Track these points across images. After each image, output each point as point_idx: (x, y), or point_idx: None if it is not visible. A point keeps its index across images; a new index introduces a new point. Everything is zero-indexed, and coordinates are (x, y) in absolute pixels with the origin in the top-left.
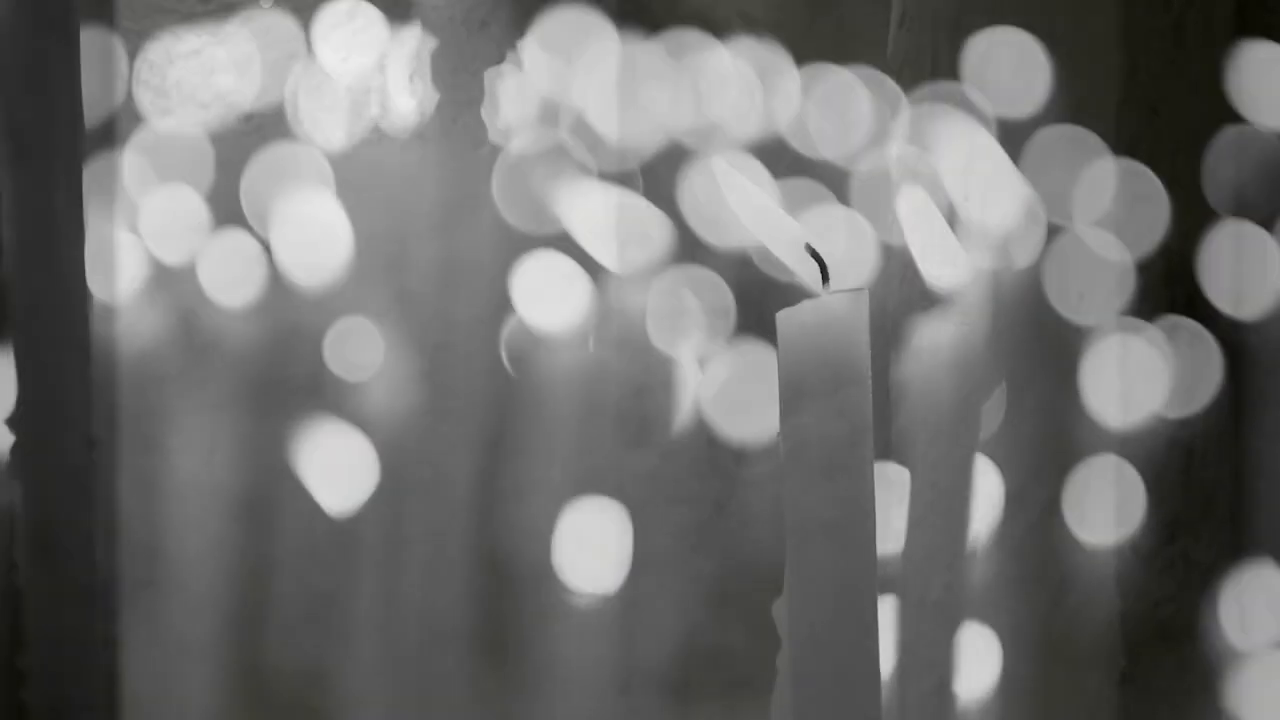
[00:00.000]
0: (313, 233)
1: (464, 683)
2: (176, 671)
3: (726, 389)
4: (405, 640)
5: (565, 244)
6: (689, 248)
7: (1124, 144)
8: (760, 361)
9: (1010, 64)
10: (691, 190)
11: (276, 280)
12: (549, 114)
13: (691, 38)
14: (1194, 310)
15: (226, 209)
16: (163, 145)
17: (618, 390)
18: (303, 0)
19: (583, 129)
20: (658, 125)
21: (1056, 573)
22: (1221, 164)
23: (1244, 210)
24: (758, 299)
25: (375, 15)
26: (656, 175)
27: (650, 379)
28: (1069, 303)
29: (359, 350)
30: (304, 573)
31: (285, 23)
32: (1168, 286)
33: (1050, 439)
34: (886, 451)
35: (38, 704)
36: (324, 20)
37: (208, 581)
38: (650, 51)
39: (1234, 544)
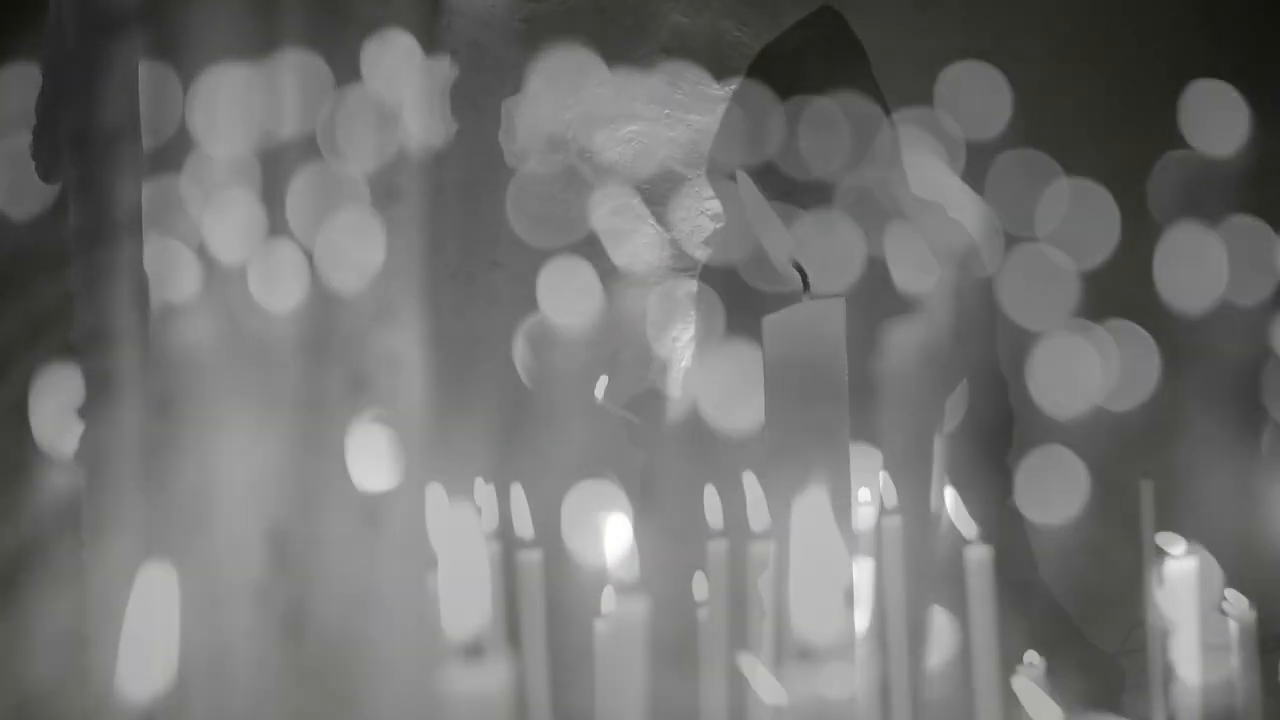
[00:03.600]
0: (348, 244)
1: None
2: (225, 639)
3: (719, 384)
4: (429, 607)
5: (574, 253)
6: (684, 258)
7: (1077, 166)
8: (749, 360)
9: (976, 94)
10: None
11: (316, 286)
12: (556, 140)
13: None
14: (1136, 314)
15: (272, 222)
16: (213, 167)
17: (622, 383)
18: (340, 35)
19: (587, 153)
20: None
21: (1009, 547)
22: (1164, 185)
23: (1183, 227)
24: (746, 305)
25: (407, 49)
26: (652, 194)
27: (651, 375)
28: (1024, 307)
29: (388, 347)
30: (340, 549)
31: (320, 61)
32: (1113, 292)
33: (1004, 428)
34: (861, 436)
35: (99, 666)
36: (362, 55)
37: (256, 559)
38: (643, 84)
39: (1165, 525)
